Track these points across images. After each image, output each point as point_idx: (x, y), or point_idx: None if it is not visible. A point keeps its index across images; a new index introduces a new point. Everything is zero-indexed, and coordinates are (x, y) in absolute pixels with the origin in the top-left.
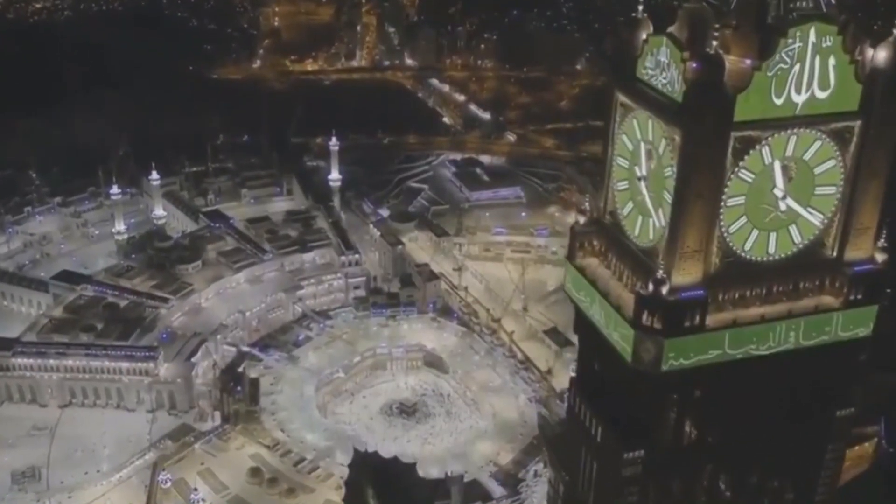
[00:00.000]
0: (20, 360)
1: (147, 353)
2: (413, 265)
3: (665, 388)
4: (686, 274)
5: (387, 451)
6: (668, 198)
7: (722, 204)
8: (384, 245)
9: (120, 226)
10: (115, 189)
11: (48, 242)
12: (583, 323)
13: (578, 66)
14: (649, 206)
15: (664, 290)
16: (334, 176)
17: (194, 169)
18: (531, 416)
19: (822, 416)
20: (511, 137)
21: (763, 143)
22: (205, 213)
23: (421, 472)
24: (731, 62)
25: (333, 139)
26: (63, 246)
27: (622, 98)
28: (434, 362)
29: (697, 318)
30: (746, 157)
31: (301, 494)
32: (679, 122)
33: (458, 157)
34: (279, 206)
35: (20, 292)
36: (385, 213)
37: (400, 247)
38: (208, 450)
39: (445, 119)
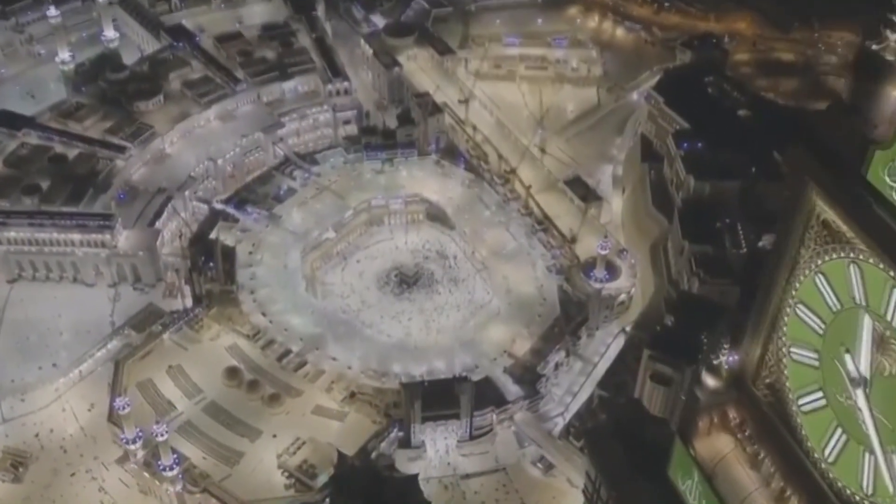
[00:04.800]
0: None
1: (101, 223)
2: (412, 95)
3: None
4: None
5: (385, 332)
6: None
7: None
8: (378, 66)
9: (64, 54)
10: (52, 11)
11: None
12: None
13: None
14: (870, 433)
15: None
16: None
17: None
18: (551, 291)
19: None
20: None
21: None
22: (167, 28)
23: (426, 366)
24: None
25: None
26: (4, 70)
27: (827, 212)
28: (438, 215)
29: None
30: None
31: (287, 400)
32: None
33: None
34: (255, 10)
35: None
36: (379, 21)
37: (397, 69)
38: (178, 341)
39: None
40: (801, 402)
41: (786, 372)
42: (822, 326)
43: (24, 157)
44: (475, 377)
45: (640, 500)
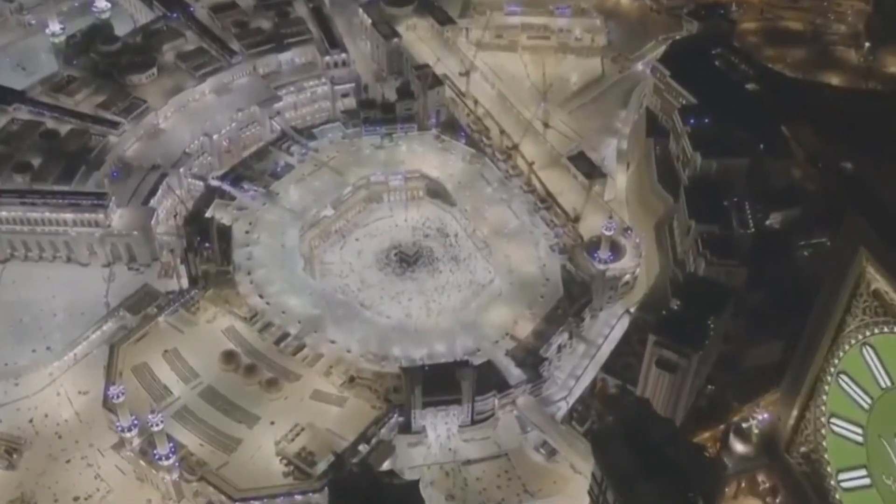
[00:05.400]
0: None
1: (95, 202)
2: (412, 67)
3: None
4: None
5: (385, 313)
6: None
7: None
8: (377, 37)
9: (55, 25)
10: None
11: None
12: None
13: None
14: None
15: None
16: None
17: None
18: (553, 271)
19: None
20: None
21: None
22: None
23: (426, 350)
24: None
25: None
26: None
27: (880, 283)
28: (439, 192)
29: None
30: None
31: (285, 385)
32: None
33: None
34: None
35: None
36: None
37: (396, 39)
38: (174, 323)
39: None
40: (841, 477)
41: (824, 443)
42: (869, 402)
43: (15, 133)
44: (477, 361)
45: (647, 502)
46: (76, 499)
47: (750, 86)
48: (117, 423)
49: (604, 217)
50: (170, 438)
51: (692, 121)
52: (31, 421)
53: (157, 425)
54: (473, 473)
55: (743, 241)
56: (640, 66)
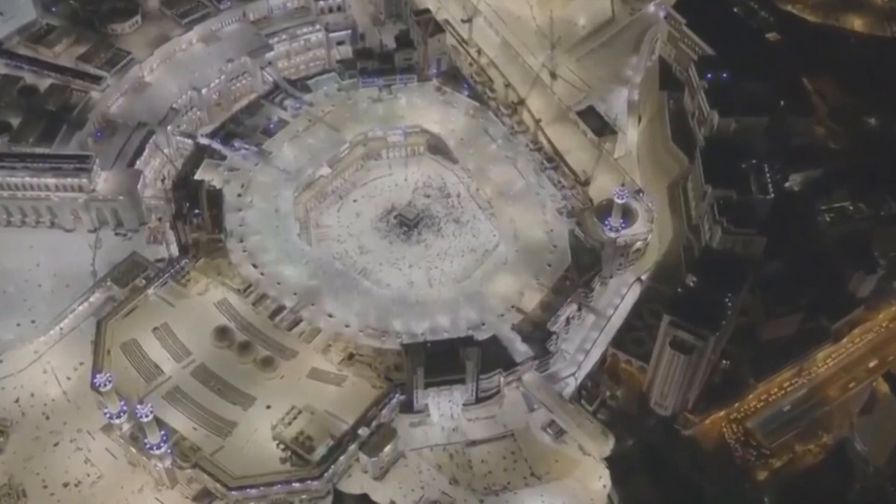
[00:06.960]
0: None
1: (77, 165)
2: (411, 13)
3: None
4: None
5: (384, 282)
6: None
7: None
8: None
9: None
10: None
11: None
12: None
13: None
14: None
15: None
16: None
17: None
18: (561, 237)
19: None
20: None
21: None
22: None
23: (428, 323)
24: None
25: None
26: None
27: None
28: (440, 147)
29: None
30: None
31: (282, 363)
32: None
33: None
34: None
35: None
36: None
37: None
38: (164, 297)
39: None
40: None
41: None
42: None
43: None
44: (481, 335)
45: None
46: (66, 485)
47: (770, 35)
48: (106, 411)
49: (614, 178)
50: (161, 425)
51: (709, 75)
52: (16, 401)
53: (146, 416)
54: (478, 455)
55: (762, 208)
56: (651, 8)
